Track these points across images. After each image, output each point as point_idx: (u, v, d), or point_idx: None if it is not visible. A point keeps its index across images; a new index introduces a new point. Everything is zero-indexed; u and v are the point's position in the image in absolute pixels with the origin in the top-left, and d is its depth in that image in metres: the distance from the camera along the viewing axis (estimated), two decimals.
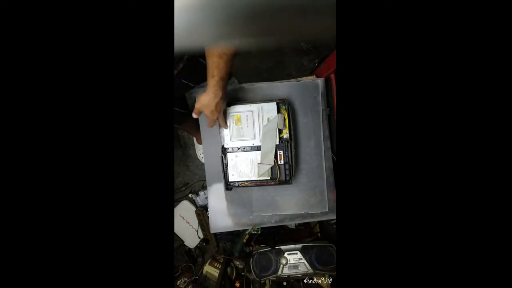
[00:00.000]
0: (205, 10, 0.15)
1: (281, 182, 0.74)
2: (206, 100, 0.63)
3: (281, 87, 0.80)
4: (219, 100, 0.63)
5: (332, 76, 0.79)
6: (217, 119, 0.69)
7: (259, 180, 0.74)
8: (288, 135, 0.73)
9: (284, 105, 0.74)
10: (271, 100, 0.74)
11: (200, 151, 1.16)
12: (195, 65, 0.69)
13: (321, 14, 0.17)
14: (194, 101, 0.82)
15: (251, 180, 0.74)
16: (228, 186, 0.75)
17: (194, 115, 0.69)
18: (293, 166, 0.73)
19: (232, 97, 0.78)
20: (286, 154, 0.73)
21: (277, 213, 0.80)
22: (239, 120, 0.74)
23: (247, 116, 0.74)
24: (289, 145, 0.73)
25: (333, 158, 0.80)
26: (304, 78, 0.84)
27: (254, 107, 0.74)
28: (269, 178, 0.73)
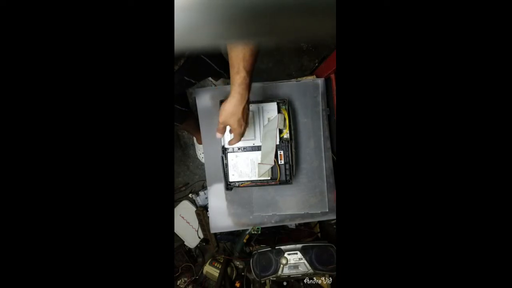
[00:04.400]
0: (205, 10, 0.15)
1: (281, 182, 0.74)
2: (231, 106, 0.52)
3: (281, 87, 0.80)
4: (246, 104, 0.52)
5: (332, 76, 0.79)
6: (244, 130, 0.56)
7: (260, 180, 0.74)
8: (288, 135, 0.73)
9: (285, 105, 0.74)
10: (271, 100, 0.74)
11: (200, 151, 1.16)
12: (197, 62, 0.67)
13: (321, 14, 0.17)
14: (195, 100, 0.82)
15: (251, 180, 0.74)
16: (229, 186, 0.75)
17: (218, 135, 0.60)
18: (294, 166, 0.73)
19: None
20: (287, 154, 0.73)
21: (277, 213, 0.80)
22: None
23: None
24: (290, 145, 0.73)
25: (333, 158, 0.80)
26: (304, 78, 0.84)
27: (254, 107, 0.74)
28: (269, 178, 0.73)
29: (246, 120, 0.55)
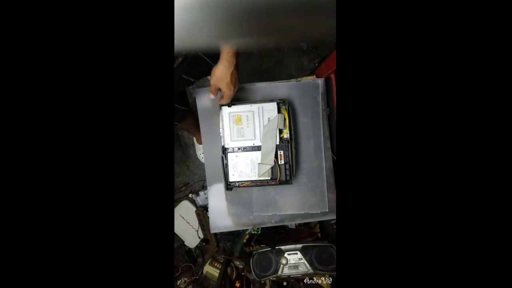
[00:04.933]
0: (205, 10, 0.15)
1: (281, 182, 0.74)
2: (220, 71, 0.61)
3: (281, 87, 0.80)
4: (234, 70, 0.61)
5: (332, 76, 0.79)
6: (233, 93, 0.66)
7: (260, 180, 0.74)
8: (288, 135, 0.73)
9: (285, 105, 0.74)
10: (271, 100, 0.74)
11: (200, 151, 1.16)
12: (195, 61, 0.68)
13: (321, 14, 0.17)
14: (195, 100, 0.82)
15: (251, 180, 0.74)
16: (229, 186, 0.75)
17: (212, 96, 0.68)
18: (294, 166, 0.73)
19: (232, 98, 0.78)
20: (287, 154, 0.73)
21: (277, 213, 0.80)
22: (239, 120, 0.74)
23: (247, 116, 0.74)
24: (290, 145, 0.73)
25: (333, 158, 0.80)
26: (304, 78, 0.84)
27: (254, 107, 0.74)
28: (269, 178, 0.73)
29: (234, 84, 0.64)
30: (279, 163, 0.73)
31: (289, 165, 0.73)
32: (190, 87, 1.11)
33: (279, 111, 0.73)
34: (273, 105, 0.73)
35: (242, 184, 0.75)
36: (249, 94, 0.80)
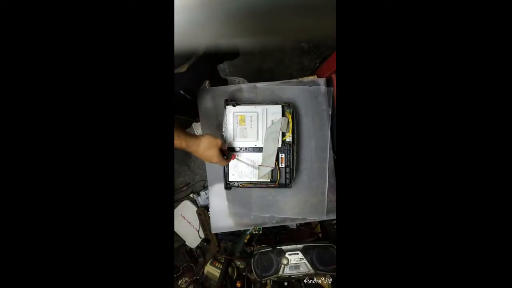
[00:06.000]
0: (206, 9, 0.15)
1: (280, 186, 0.74)
2: (206, 158, 0.65)
3: (282, 87, 0.80)
4: (200, 147, 0.63)
5: (333, 76, 0.79)
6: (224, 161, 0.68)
7: (259, 182, 0.74)
8: (290, 138, 0.73)
9: (289, 108, 0.74)
10: (276, 103, 0.74)
11: (196, 128, 1.14)
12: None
13: (322, 14, 0.17)
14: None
15: (251, 181, 0.74)
16: (228, 185, 0.75)
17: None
18: (294, 170, 0.73)
19: (237, 97, 0.78)
20: (288, 158, 0.73)
21: (276, 215, 0.80)
22: (243, 121, 0.74)
23: (251, 117, 0.74)
24: (292, 148, 0.73)
25: (333, 158, 0.80)
26: (305, 78, 0.84)
27: (259, 108, 0.74)
28: (269, 180, 0.73)
29: (221, 159, 0.66)
30: (280, 166, 0.73)
31: (290, 168, 0.73)
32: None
33: (283, 114, 0.73)
34: (278, 108, 0.73)
35: (241, 184, 0.75)
36: (251, 94, 0.80)
